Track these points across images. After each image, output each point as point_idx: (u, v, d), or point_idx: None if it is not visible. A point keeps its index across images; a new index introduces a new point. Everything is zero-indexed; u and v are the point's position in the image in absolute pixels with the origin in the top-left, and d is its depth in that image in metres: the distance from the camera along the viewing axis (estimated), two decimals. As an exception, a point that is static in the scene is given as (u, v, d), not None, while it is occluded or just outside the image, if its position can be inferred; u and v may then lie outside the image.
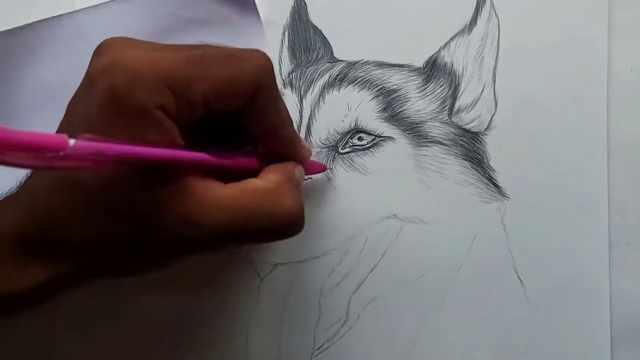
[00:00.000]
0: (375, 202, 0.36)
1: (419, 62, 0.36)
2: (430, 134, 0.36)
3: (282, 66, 0.37)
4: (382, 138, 0.36)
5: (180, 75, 0.25)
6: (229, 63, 0.26)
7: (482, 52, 0.36)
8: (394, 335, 0.35)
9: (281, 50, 0.37)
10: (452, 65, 0.36)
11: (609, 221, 0.34)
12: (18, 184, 0.27)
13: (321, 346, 0.35)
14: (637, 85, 0.35)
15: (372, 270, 0.35)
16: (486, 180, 0.35)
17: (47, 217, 0.25)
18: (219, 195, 0.26)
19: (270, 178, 0.28)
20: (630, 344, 0.34)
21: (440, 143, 0.35)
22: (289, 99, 0.37)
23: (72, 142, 0.20)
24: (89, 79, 0.25)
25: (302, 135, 0.36)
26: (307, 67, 0.37)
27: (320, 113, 0.36)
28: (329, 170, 0.36)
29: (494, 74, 0.36)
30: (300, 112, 0.36)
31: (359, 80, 0.36)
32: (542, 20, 0.36)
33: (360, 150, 0.36)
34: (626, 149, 0.35)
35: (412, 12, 0.36)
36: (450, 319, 0.35)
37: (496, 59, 0.36)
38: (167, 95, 0.24)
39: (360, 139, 0.36)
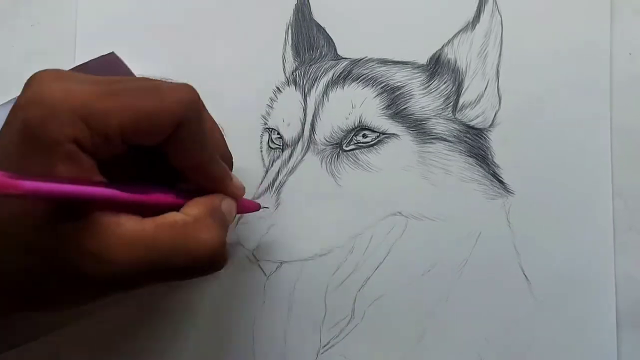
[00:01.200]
0: (380, 200, 0.36)
1: (423, 59, 0.36)
2: (434, 131, 0.36)
3: (285, 64, 0.37)
4: (387, 135, 0.36)
5: (96, 108, 0.24)
6: (149, 96, 0.25)
7: (485, 48, 0.36)
8: (399, 332, 0.35)
9: (285, 49, 0.37)
10: (455, 62, 0.36)
11: (613, 210, 0.34)
12: None
13: (327, 344, 0.35)
14: (636, 69, 0.35)
15: (377, 267, 0.35)
16: (491, 177, 0.35)
17: None
18: (131, 231, 0.24)
19: (190, 212, 0.27)
20: (637, 329, 0.34)
21: (445, 140, 0.36)
22: (293, 97, 0.37)
23: None
24: (12, 113, 0.24)
25: (306, 133, 0.36)
26: (311, 65, 0.37)
27: (324, 111, 0.36)
28: (331, 167, 0.36)
29: (498, 71, 0.36)
30: (304, 110, 0.36)
31: (362, 77, 0.36)
32: (545, 16, 0.36)
33: (364, 147, 0.36)
34: (628, 134, 0.35)
35: (415, 9, 0.37)
36: (456, 315, 0.35)
37: (499, 55, 0.36)
38: (82, 129, 0.24)
39: (364, 136, 0.36)
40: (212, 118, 0.30)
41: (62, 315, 0.35)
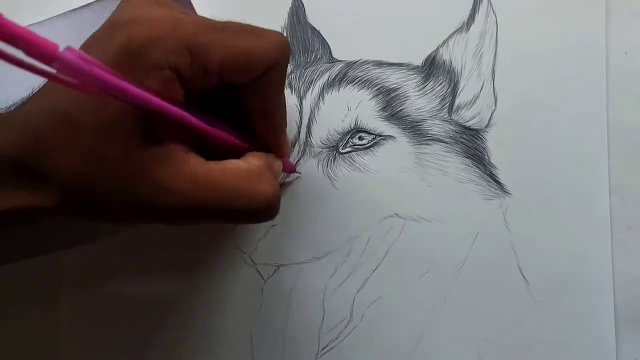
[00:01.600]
0: (377, 201, 0.36)
1: (418, 61, 0.36)
2: (430, 132, 0.36)
3: (281, 67, 0.37)
4: (383, 137, 0.36)
5: (201, 40, 0.25)
6: (249, 36, 0.26)
7: (480, 49, 0.36)
8: (398, 334, 0.35)
9: (280, 52, 0.37)
10: (450, 62, 0.36)
11: (610, 208, 0.34)
12: (20, 101, 0.26)
13: (326, 346, 0.35)
14: (632, 68, 0.35)
15: (375, 269, 0.35)
16: (488, 177, 0.35)
17: (37, 146, 0.24)
18: (200, 170, 0.26)
19: (252, 161, 0.28)
20: (635, 326, 0.34)
21: (441, 141, 0.35)
22: (289, 100, 0.37)
23: (61, 50, 0.20)
24: (111, 26, 0.25)
25: (302, 136, 0.36)
26: (306, 68, 0.37)
27: (320, 113, 0.36)
28: (327, 170, 0.36)
29: (493, 71, 0.36)
30: (300, 112, 0.36)
31: (358, 79, 0.36)
32: (540, 16, 0.36)
33: (360, 149, 0.36)
34: (625, 133, 0.35)
35: (409, 10, 0.37)
36: (454, 316, 0.35)
37: (495, 55, 0.36)
38: (185, 59, 0.25)
39: (360, 138, 0.36)
40: None
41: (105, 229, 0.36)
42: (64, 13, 0.37)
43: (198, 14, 0.36)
